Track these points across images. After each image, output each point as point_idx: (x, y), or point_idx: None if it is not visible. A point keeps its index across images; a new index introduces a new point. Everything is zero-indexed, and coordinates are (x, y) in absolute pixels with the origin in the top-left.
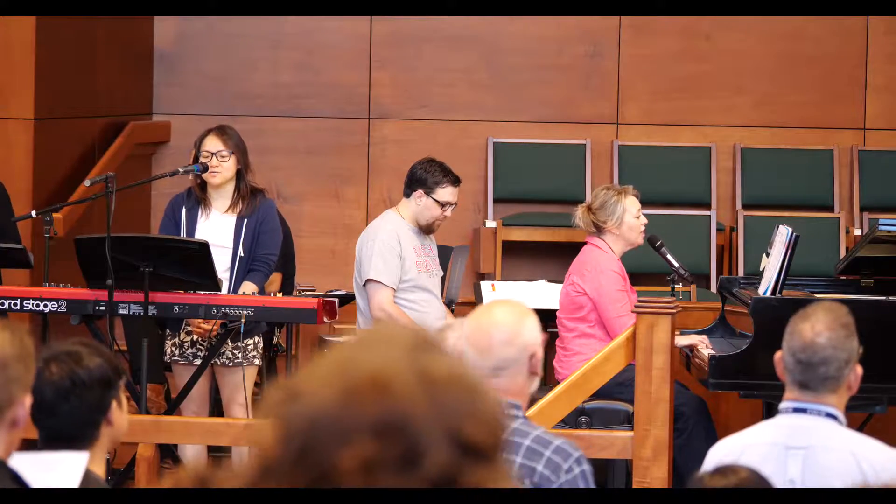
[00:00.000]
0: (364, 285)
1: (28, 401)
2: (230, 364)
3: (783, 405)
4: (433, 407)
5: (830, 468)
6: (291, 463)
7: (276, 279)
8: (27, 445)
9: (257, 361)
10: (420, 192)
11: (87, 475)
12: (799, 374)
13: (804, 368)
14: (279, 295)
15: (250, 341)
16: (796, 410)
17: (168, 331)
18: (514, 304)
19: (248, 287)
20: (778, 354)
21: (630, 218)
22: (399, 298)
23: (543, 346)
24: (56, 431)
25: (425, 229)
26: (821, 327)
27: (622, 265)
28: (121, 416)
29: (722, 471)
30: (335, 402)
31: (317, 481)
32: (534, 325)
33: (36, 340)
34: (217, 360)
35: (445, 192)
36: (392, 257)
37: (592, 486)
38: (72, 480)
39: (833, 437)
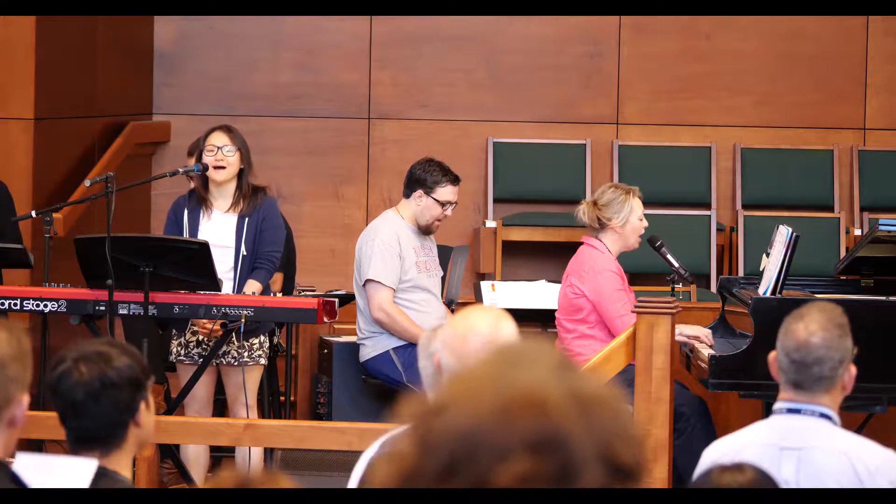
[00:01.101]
0: (364, 285)
1: (26, 400)
2: (235, 363)
3: (777, 405)
4: (586, 426)
5: (824, 469)
6: (438, 475)
7: (277, 279)
8: (27, 445)
9: (263, 361)
10: (420, 192)
11: (113, 477)
12: (793, 375)
13: (798, 368)
14: (279, 295)
15: (256, 341)
16: (790, 411)
17: (174, 331)
18: (489, 308)
19: (253, 286)
20: (772, 354)
21: (635, 219)
22: (399, 298)
23: None
24: (84, 432)
25: (425, 229)
26: (815, 327)
27: (619, 265)
28: (149, 417)
29: (732, 468)
30: (490, 417)
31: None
32: (511, 329)
33: (36, 340)
34: (223, 359)
35: (445, 192)
36: (392, 257)
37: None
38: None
39: (827, 438)
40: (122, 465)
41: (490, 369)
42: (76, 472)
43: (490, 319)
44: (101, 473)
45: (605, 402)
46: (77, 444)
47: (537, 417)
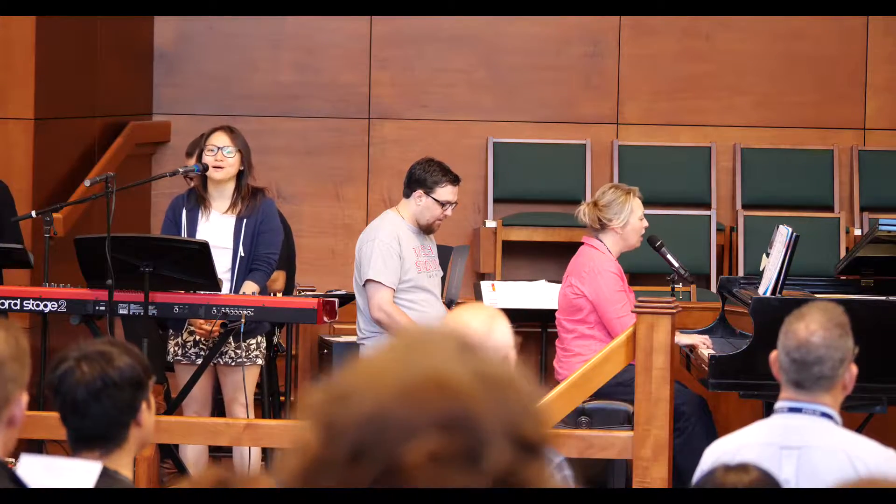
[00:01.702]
0: (364, 285)
1: (25, 399)
2: (232, 364)
3: (778, 405)
4: (492, 404)
5: (824, 468)
6: (346, 462)
7: (279, 277)
8: (27, 445)
9: (260, 361)
10: (420, 192)
11: (114, 477)
12: (794, 374)
13: (799, 368)
14: (279, 295)
15: (253, 341)
16: (791, 410)
17: (171, 331)
18: (483, 307)
19: (250, 287)
20: (773, 354)
21: (635, 220)
22: (399, 299)
23: (517, 349)
24: (85, 432)
25: (425, 229)
26: (815, 327)
27: (619, 266)
28: (150, 417)
29: (736, 468)
30: (396, 400)
31: (381, 478)
32: (504, 327)
33: (35, 340)
34: (220, 359)
35: (445, 192)
36: (392, 258)
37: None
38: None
39: (827, 437)
40: (122, 465)
41: (393, 355)
42: (80, 473)
43: (483, 318)
44: (102, 473)
45: (510, 382)
46: (78, 443)
47: (443, 398)
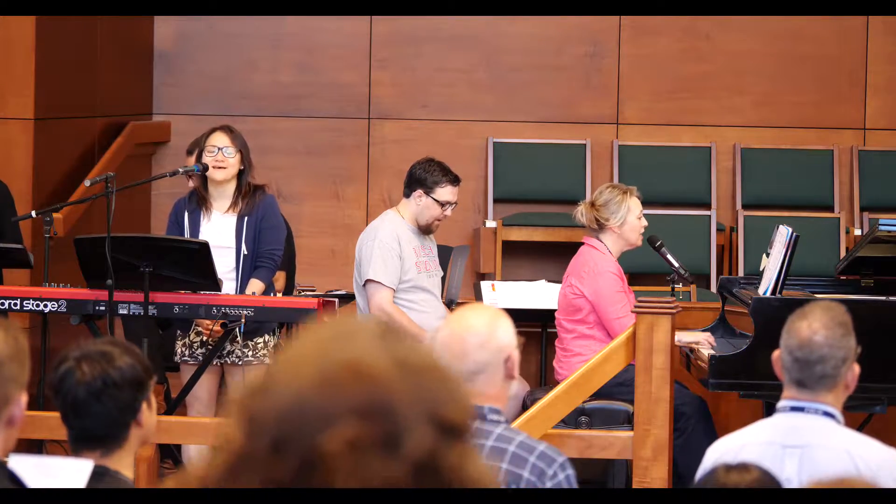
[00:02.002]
0: (363, 286)
1: (24, 399)
2: (239, 363)
3: (781, 404)
4: (411, 389)
5: (827, 467)
6: (268, 454)
7: (280, 277)
8: (27, 445)
9: (268, 360)
10: (419, 191)
11: (115, 477)
12: (796, 373)
13: (801, 367)
14: (280, 295)
15: (260, 340)
16: (794, 409)
17: (178, 332)
18: (487, 308)
19: (255, 285)
20: (776, 353)
21: (633, 218)
22: (399, 299)
23: (520, 350)
24: (86, 432)
25: (424, 229)
26: (818, 326)
27: (619, 266)
28: (150, 417)
29: (737, 467)
30: (313, 390)
31: (302, 468)
32: (508, 328)
33: (35, 340)
34: (227, 358)
35: (445, 192)
36: (391, 258)
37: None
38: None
39: (830, 436)
40: (123, 465)
41: (311, 346)
42: (71, 472)
43: (487, 318)
44: (103, 473)
45: (430, 368)
46: (78, 443)
47: (360, 384)
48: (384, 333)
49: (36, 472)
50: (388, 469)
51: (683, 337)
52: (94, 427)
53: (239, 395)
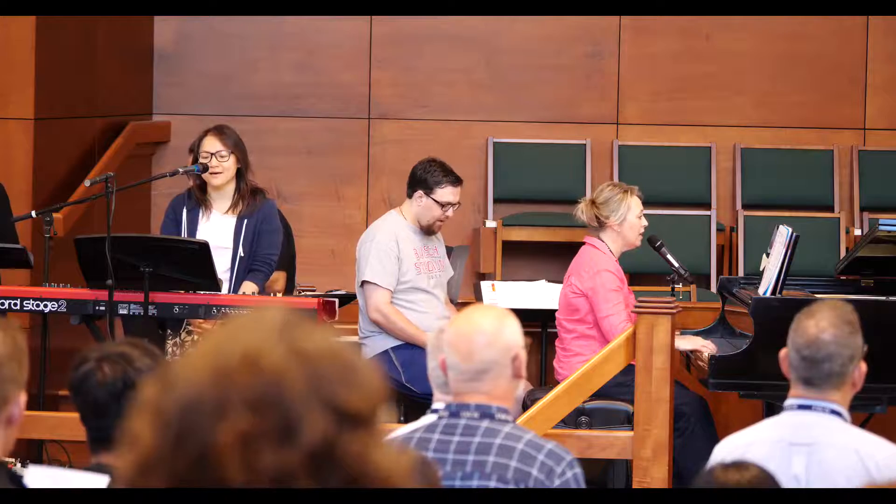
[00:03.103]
0: (361, 286)
1: (23, 399)
2: None
3: (788, 402)
4: (306, 378)
5: (834, 465)
6: (171, 449)
7: (280, 278)
8: (27, 445)
9: None
10: (420, 192)
11: None
12: (803, 371)
13: (808, 365)
14: (279, 295)
15: None
16: (801, 407)
17: (169, 331)
18: (494, 308)
19: (249, 287)
20: (783, 352)
21: (633, 217)
22: (397, 299)
23: (527, 350)
24: (105, 432)
25: (426, 230)
26: (825, 324)
27: (619, 266)
28: None
29: (735, 465)
30: (207, 383)
31: (197, 462)
32: (515, 327)
33: (35, 340)
34: None
35: (445, 193)
36: (388, 259)
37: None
38: None
39: (837, 434)
40: None
41: (211, 340)
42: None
43: (494, 317)
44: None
45: (330, 356)
46: (97, 444)
47: (252, 376)
48: (284, 324)
49: (52, 484)
50: (282, 458)
51: (682, 344)
52: (113, 428)
53: (147, 391)
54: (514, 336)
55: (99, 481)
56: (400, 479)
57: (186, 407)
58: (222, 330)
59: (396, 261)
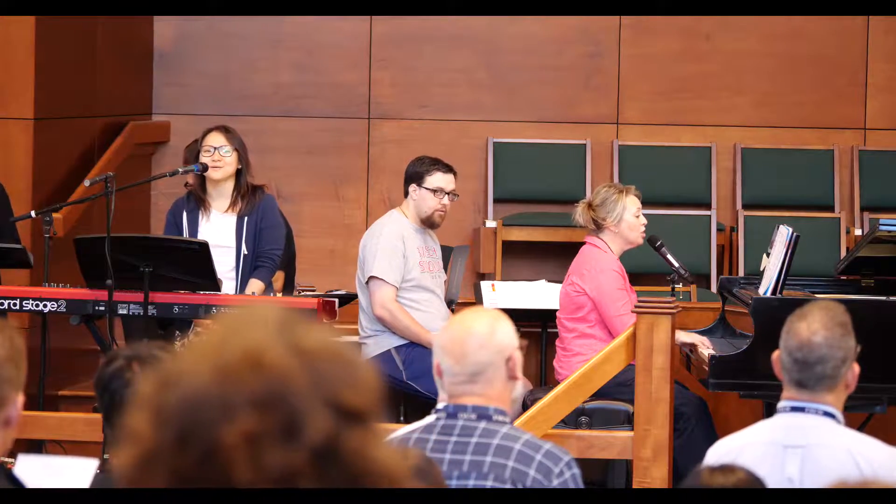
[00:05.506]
0: (367, 283)
1: (21, 400)
2: None
3: (781, 404)
4: (308, 376)
5: (828, 466)
6: (172, 448)
7: (279, 277)
8: (27, 446)
9: None
10: (414, 185)
11: None
12: (796, 373)
13: (801, 367)
14: (279, 295)
15: None
16: (794, 409)
17: (177, 332)
18: (487, 310)
19: (255, 285)
20: (775, 354)
21: (629, 216)
22: (401, 298)
23: (524, 351)
24: None
25: (427, 222)
26: (817, 326)
27: (621, 265)
28: None
29: (722, 469)
30: (210, 382)
31: (202, 461)
32: (508, 329)
33: (35, 340)
34: None
35: (435, 179)
36: (395, 256)
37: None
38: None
39: (831, 436)
40: None
41: (212, 338)
42: (77, 471)
43: (486, 319)
44: None
45: (330, 354)
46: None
47: (257, 375)
48: (283, 323)
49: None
50: (287, 457)
51: (682, 337)
52: None
53: (146, 388)
54: (507, 337)
55: (87, 465)
56: (401, 475)
57: (189, 405)
58: (220, 328)
59: (402, 258)
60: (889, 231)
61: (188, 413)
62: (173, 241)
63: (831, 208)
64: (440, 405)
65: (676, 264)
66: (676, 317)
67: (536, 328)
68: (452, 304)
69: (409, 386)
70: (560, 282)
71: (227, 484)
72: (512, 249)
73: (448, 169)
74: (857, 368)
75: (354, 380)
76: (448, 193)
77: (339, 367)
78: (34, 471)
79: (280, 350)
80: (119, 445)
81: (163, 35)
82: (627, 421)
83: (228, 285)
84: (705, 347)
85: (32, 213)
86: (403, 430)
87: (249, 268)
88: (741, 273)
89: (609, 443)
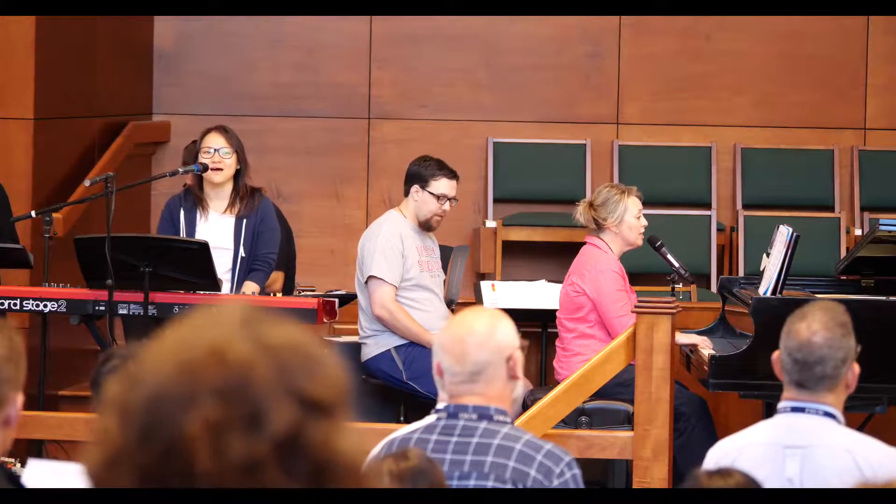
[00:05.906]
0: (366, 282)
1: (20, 400)
2: None
3: (781, 405)
4: (272, 369)
5: (828, 467)
6: (136, 443)
7: (278, 278)
8: (27, 445)
9: None
10: (416, 186)
11: None
12: (796, 374)
13: (801, 368)
14: (279, 295)
15: None
16: (794, 410)
17: None
18: (487, 310)
19: (250, 287)
20: (775, 354)
21: (630, 217)
22: (401, 297)
23: (525, 351)
24: None
25: (424, 226)
26: (817, 326)
27: (621, 265)
28: None
29: (720, 472)
30: (174, 376)
31: (165, 454)
32: (508, 328)
33: (35, 340)
34: None
35: (440, 185)
36: (394, 255)
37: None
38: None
39: (831, 436)
40: None
41: (176, 335)
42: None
43: (486, 319)
44: None
45: (295, 348)
46: None
47: (220, 368)
48: (248, 319)
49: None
50: (251, 447)
51: (681, 338)
52: None
53: (113, 388)
54: (507, 337)
55: None
56: (368, 470)
57: (152, 400)
58: (185, 325)
59: (401, 257)
60: (889, 231)
61: (151, 408)
62: (173, 241)
63: (831, 208)
64: (440, 405)
65: (676, 264)
66: (676, 317)
67: (536, 328)
68: (452, 305)
69: (408, 386)
70: (560, 282)
71: (191, 475)
72: (512, 249)
73: (453, 175)
74: (857, 368)
75: (319, 373)
76: (450, 199)
77: (304, 360)
78: (43, 476)
79: (245, 344)
80: (86, 447)
81: (163, 35)
82: (627, 421)
83: (224, 286)
84: (705, 347)
85: (32, 213)
86: (404, 429)
87: (245, 270)
88: (741, 273)
89: (609, 443)
